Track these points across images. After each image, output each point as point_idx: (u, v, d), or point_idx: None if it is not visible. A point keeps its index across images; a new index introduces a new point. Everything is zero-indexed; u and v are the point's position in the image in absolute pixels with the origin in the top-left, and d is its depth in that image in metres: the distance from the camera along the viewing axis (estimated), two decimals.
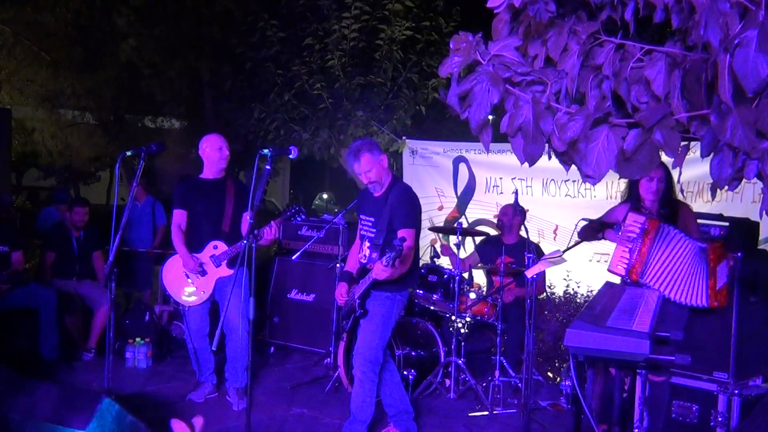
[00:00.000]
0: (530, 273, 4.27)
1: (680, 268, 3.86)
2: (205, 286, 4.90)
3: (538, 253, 5.37)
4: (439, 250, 5.91)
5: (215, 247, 4.87)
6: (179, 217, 4.94)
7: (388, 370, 4.29)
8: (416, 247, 4.18)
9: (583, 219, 4.38)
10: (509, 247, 5.64)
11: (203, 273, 4.88)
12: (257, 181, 3.79)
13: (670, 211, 4.08)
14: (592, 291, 5.75)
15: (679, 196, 4.19)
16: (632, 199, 4.23)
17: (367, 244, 4.20)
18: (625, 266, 3.97)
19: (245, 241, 3.79)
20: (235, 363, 4.89)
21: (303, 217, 4.87)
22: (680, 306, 3.86)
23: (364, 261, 4.20)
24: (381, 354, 4.12)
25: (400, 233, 3.97)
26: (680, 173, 1.87)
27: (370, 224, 4.20)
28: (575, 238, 4.23)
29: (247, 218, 3.95)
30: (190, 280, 4.93)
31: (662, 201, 4.10)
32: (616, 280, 4.11)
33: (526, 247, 4.93)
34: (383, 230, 4.07)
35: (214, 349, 4.06)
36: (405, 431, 4.33)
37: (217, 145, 4.90)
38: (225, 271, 4.86)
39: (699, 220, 4.36)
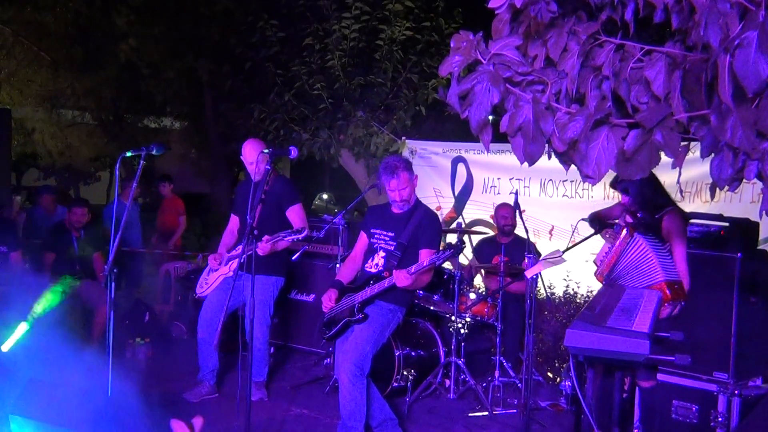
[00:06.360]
0: (530, 273, 4.26)
1: (634, 275, 3.88)
2: (212, 280, 5.13)
3: (536, 252, 5.37)
4: None
5: (235, 249, 5.07)
6: (231, 222, 5.21)
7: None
8: None
9: (583, 219, 4.39)
10: (506, 245, 5.63)
11: (214, 269, 5.12)
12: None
13: (655, 214, 3.98)
14: (592, 291, 5.74)
15: (678, 197, 4.17)
16: None
17: (383, 254, 4.21)
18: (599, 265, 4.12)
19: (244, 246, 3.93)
20: (255, 359, 4.90)
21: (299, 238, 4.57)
22: None
23: (375, 270, 4.20)
24: (369, 362, 4.05)
25: (424, 252, 4.05)
26: (680, 174, 1.87)
27: (388, 238, 4.23)
28: (574, 238, 4.23)
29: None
30: (210, 274, 5.22)
31: (639, 203, 3.99)
32: None
33: (526, 247, 4.92)
34: (404, 245, 4.13)
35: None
36: None
37: (243, 157, 5.04)
38: (224, 269, 5.02)
39: (699, 221, 4.34)
